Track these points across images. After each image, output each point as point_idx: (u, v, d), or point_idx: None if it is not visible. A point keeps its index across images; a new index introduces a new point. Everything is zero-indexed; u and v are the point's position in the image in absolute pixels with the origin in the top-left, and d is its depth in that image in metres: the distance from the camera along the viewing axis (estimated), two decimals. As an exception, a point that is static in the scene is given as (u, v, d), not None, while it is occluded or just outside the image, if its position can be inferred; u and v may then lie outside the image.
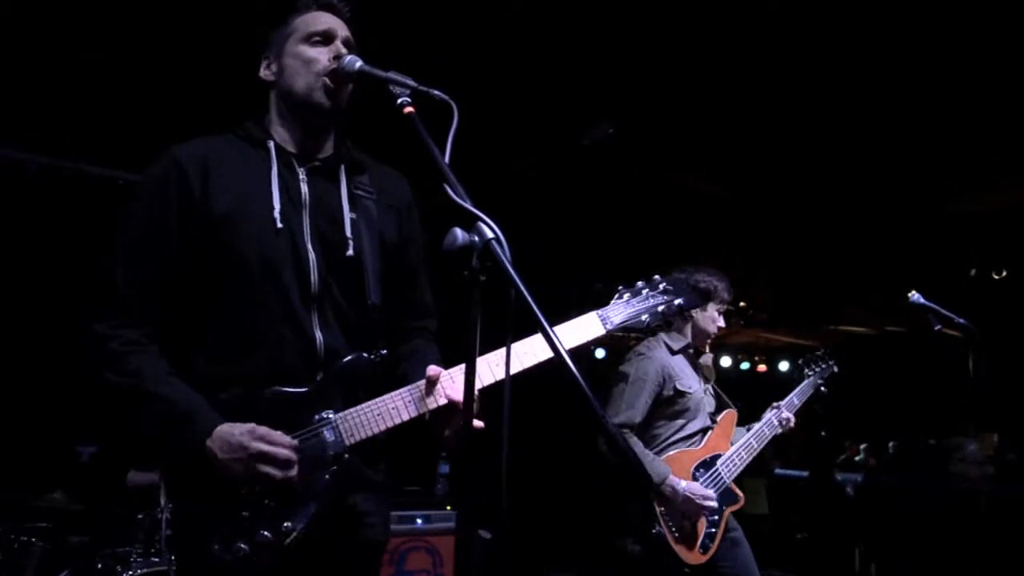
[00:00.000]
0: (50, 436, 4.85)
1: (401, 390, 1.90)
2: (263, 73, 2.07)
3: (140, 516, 3.85)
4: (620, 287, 2.14)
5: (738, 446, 3.55)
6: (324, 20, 2.02)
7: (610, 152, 5.73)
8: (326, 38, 2.00)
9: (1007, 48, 4.34)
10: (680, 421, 3.50)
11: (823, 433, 10.55)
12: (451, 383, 1.90)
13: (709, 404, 3.65)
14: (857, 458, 10.17)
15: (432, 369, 1.90)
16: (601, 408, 1.35)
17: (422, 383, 1.90)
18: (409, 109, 1.71)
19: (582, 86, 4.91)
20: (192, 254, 1.88)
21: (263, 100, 2.10)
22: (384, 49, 1.94)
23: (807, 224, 7.11)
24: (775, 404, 3.75)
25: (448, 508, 4.99)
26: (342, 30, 2.03)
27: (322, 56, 1.98)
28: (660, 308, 2.10)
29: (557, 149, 5.74)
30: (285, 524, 1.78)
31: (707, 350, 3.80)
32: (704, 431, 3.55)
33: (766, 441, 3.62)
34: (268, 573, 1.77)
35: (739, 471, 3.51)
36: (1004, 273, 7.70)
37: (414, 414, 1.89)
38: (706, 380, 3.70)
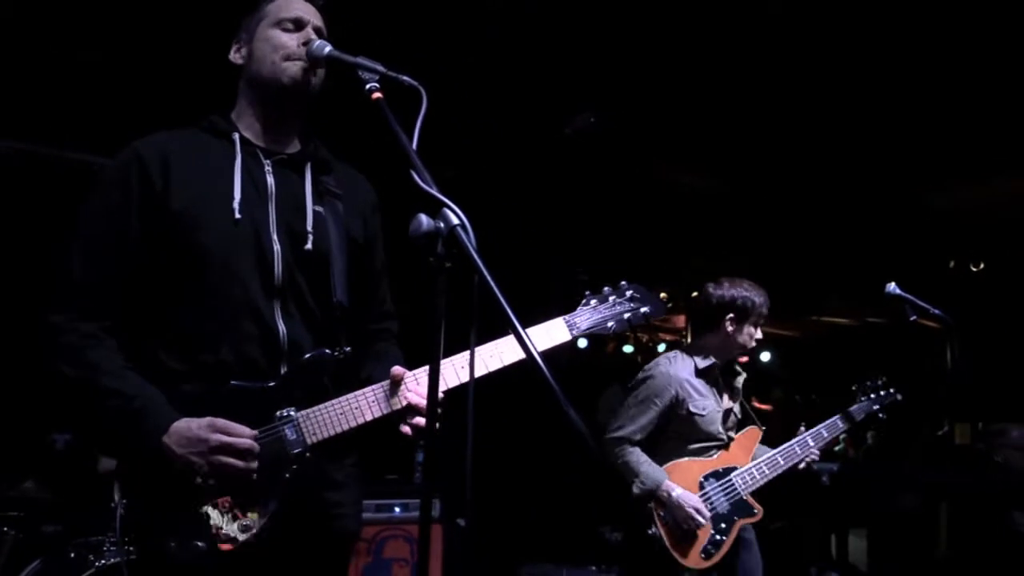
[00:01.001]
0: (21, 424, 4.80)
1: (365, 389, 1.90)
2: (232, 56, 2.05)
3: (113, 505, 3.82)
4: (587, 292, 2.15)
5: (760, 461, 3.56)
6: (296, 7, 2.01)
7: (595, 144, 5.72)
8: (297, 24, 1.98)
9: (987, 43, 4.36)
10: (689, 437, 3.54)
11: (803, 424, 10.62)
12: (415, 384, 1.90)
13: (730, 421, 3.66)
14: (837, 448, 10.23)
15: (396, 369, 1.90)
16: (569, 405, 1.33)
17: (386, 383, 1.90)
18: (377, 95, 1.70)
19: (570, 77, 4.90)
20: (153, 248, 1.85)
21: (233, 89, 2.07)
22: (366, 45, 1.91)
23: (788, 216, 7.13)
24: (802, 428, 3.72)
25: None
26: (314, 18, 2.02)
27: (291, 41, 1.96)
28: (626, 316, 2.12)
29: (544, 140, 5.73)
30: (244, 522, 1.76)
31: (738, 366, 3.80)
32: (718, 447, 3.57)
33: (795, 460, 3.59)
34: (228, 571, 1.75)
35: (759, 485, 3.51)
36: (982, 265, 7.76)
37: (377, 414, 1.89)
38: (732, 398, 3.70)
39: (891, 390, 3.82)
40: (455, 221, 1.42)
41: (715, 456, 3.54)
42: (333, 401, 1.87)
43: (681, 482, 3.39)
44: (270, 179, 1.95)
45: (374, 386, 1.90)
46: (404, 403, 1.88)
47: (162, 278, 1.86)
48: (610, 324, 2.09)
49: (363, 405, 1.88)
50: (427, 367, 1.82)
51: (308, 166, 2.02)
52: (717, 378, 3.67)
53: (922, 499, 5.69)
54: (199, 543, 1.73)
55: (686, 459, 3.49)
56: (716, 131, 5.60)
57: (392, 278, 2.26)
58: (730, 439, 3.60)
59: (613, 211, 6.98)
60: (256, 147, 1.98)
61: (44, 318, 1.83)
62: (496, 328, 1.85)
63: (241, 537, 1.75)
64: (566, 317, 2.07)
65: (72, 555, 3.73)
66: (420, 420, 1.86)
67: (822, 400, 11.25)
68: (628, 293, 2.15)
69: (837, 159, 6.00)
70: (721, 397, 3.66)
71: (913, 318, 3.54)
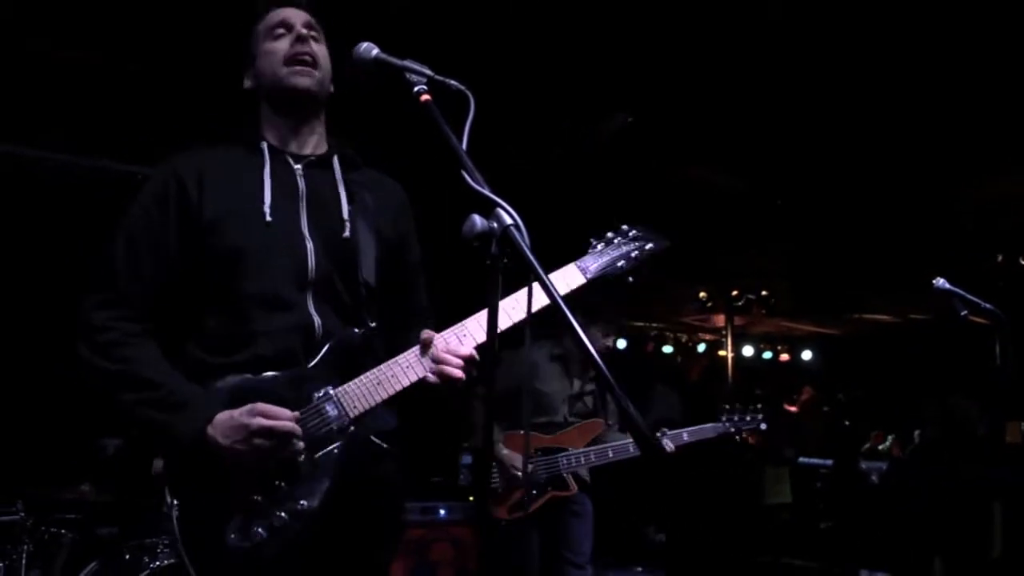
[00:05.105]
0: (75, 428, 4.91)
1: (397, 357, 1.92)
2: (247, 84, 2.12)
3: (165, 509, 3.88)
4: (592, 239, 2.17)
5: (590, 448, 4.02)
6: (278, 14, 2.08)
7: (629, 143, 5.71)
8: (286, 27, 2.05)
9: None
10: (534, 410, 4.05)
11: (846, 422, 10.45)
12: (444, 343, 1.93)
13: (577, 407, 4.19)
14: (881, 447, 10.07)
15: (426, 333, 1.93)
16: (618, 385, 1.33)
17: (416, 348, 1.93)
18: (426, 97, 1.70)
19: (600, 78, 4.89)
20: (190, 255, 1.93)
21: (255, 112, 2.13)
22: (402, 44, 1.93)
23: (829, 212, 7.04)
24: (664, 430, 4.08)
25: (471, 499, 5.01)
26: (299, 17, 2.07)
27: (283, 45, 2.03)
28: (633, 254, 2.13)
29: (574, 141, 5.72)
30: (301, 503, 1.79)
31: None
32: (559, 425, 4.10)
33: (624, 457, 3.99)
34: (289, 553, 1.78)
35: (581, 468, 4.03)
36: (1032, 258, 7.59)
37: (414, 379, 1.91)
38: (583, 386, 4.24)
39: (758, 418, 4.20)
40: (508, 221, 1.43)
41: (552, 435, 4.04)
42: (368, 373, 1.90)
43: (516, 449, 3.93)
44: (301, 182, 2.02)
45: (405, 353, 1.93)
46: (439, 363, 1.90)
47: (199, 282, 1.93)
48: (620, 264, 2.10)
49: (397, 372, 1.91)
50: (453, 328, 1.93)
51: (336, 163, 2.09)
52: (568, 366, 4.18)
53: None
54: (259, 530, 1.76)
55: (518, 432, 3.99)
56: (755, 129, 5.55)
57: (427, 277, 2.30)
58: (570, 422, 4.10)
59: (652, 212, 6.95)
60: (285, 153, 2.05)
61: (85, 317, 1.89)
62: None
63: (300, 518, 1.78)
64: (577, 262, 2.09)
65: (127, 556, 3.81)
66: (449, 369, 1.88)
67: (864, 398, 11.07)
68: (631, 233, 2.16)
69: (879, 152, 5.91)
70: (571, 384, 4.19)
71: (964, 313, 3.46)
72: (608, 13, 4.29)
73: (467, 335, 1.92)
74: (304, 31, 2.03)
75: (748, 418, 4.16)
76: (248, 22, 2.17)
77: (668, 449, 3.98)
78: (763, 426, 4.18)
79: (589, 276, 2.06)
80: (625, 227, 2.18)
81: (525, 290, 1.91)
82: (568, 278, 2.05)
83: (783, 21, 4.31)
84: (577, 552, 4.11)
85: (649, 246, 2.15)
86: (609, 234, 2.17)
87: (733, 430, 4.15)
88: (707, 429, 4.11)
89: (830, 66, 4.72)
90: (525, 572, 3.95)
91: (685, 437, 4.05)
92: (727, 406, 4.21)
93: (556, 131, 5.64)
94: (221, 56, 4.25)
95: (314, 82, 2.02)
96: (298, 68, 2.01)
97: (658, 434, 4.01)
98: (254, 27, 2.12)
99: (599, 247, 2.14)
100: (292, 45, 2.01)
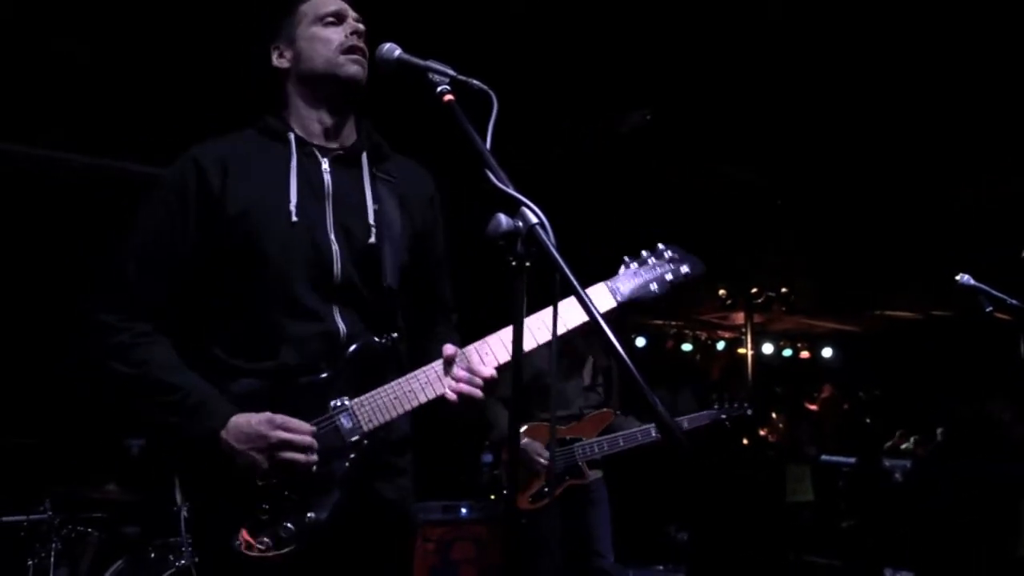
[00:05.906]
0: (103, 429, 4.96)
1: (416, 372, 1.89)
2: (276, 61, 2.05)
3: (175, 508, 3.92)
4: (625, 257, 2.06)
5: (603, 438, 4.18)
6: (334, 3, 2.04)
7: (649, 139, 5.69)
8: (338, 18, 2.02)
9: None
10: (543, 405, 4.15)
11: (868, 420, 10.37)
12: (465, 361, 1.89)
13: (588, 399, 4.33)
14: (903, 446, 9.99)
15: (448, 348, 1.89)
16: (644, 380, 1.30)
17: (438, 364, 1.89)
18: (449, 97, 1.69)
19: (602, 77, 4.88)
20: (211, 252, 1.88)
21: (278, 93, 2.08)
22: (401, 43, 1.93)
23: (850, 208, 6.99)
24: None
25: (492, 498, 5.00)
26: (352, 10, 2.05)
27: (338, 35, 1.99)
28: (668, 276, 2.03)
29: (594, 136, 5.71)
30: (309, 515, 1.77)
31: (588, 359, 4.44)
32: (575, 416, 4.24)
33: (634, 444, 4.16)
34: (295, 564, 1.76)
35: (595, 457, 4.16)
36: (1056, 254, 7.48)
37: (432, 396, 1.87)
38: (593, 379, 4.43)
39: (744, 406, 4.51)
40: (534, 220, 1.42)
41: (566, 426, 4.20)
42: (386, 386, 1.87)
43: (535, 438, 4.07)
44: (327, 177, 1.96)
45: (425, 368, 1.89)
46: (457, 383, 1.87)
47: (220, 281, 1.89)
48: (652, 287, 2.02)
49: (416, 388, 1.87)
50: (475, 344, 1.90)
51: (364, 157, 2.03)
52: (572, 361, 4.34)
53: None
54: (266, 539, 1.74)
55: (537, 423, 4.14)
56: (776, 125, 5.53)
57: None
58: (583, 413, 4.26)
59: (673, 209, 6.93)
60: (312, 146, 1.99)
61: (94, 317, 1.86)
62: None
63: (307, 531, 1.76)
64: (607, 283, 1.99)
65: (153, 555, 3.85)
66: (469, 389, 1.86)
67: (883, 396, 10.98)
68: (667, 255, 2.07)
69: (900, 148, 5.86)
70: (580, 378, 4.34)
71: (989, 309, 3.43)
72: (610, 12, 4.28)
73: (489, 353, 1.89)
74: (361, 27, 2.01)
75: (735, 405, 4.50)
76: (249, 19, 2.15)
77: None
78: (749, 412, 4.53)
79: (620, 299, 1.96)
80: (661, 246, 2.08)
81: (548, 310, 1.85)
82: (597, 299, 1.94)
83: (804, 17, 4.28)
84: (596, 539, 4.21)
85: (685, 269, 2.05)
86: (644, 252, 2.07)
87: (724, 416, 4.47)
88: (703, 416, 4.42)
89: (851, 62, 4.69)
90: (548, 562, 4.01)
91: (685, 424, 4.33)
92: (715, 395, 4.58)
93: (556, 131, 5.62)
94: (224, 55, 4.34)
95: (366, 74, 1.99)
96: (355, 57, 1.97)
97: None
98: (293, 6, 2.06)
99: (632, 266, 2.03)
100: (349, 37, 1.98)
